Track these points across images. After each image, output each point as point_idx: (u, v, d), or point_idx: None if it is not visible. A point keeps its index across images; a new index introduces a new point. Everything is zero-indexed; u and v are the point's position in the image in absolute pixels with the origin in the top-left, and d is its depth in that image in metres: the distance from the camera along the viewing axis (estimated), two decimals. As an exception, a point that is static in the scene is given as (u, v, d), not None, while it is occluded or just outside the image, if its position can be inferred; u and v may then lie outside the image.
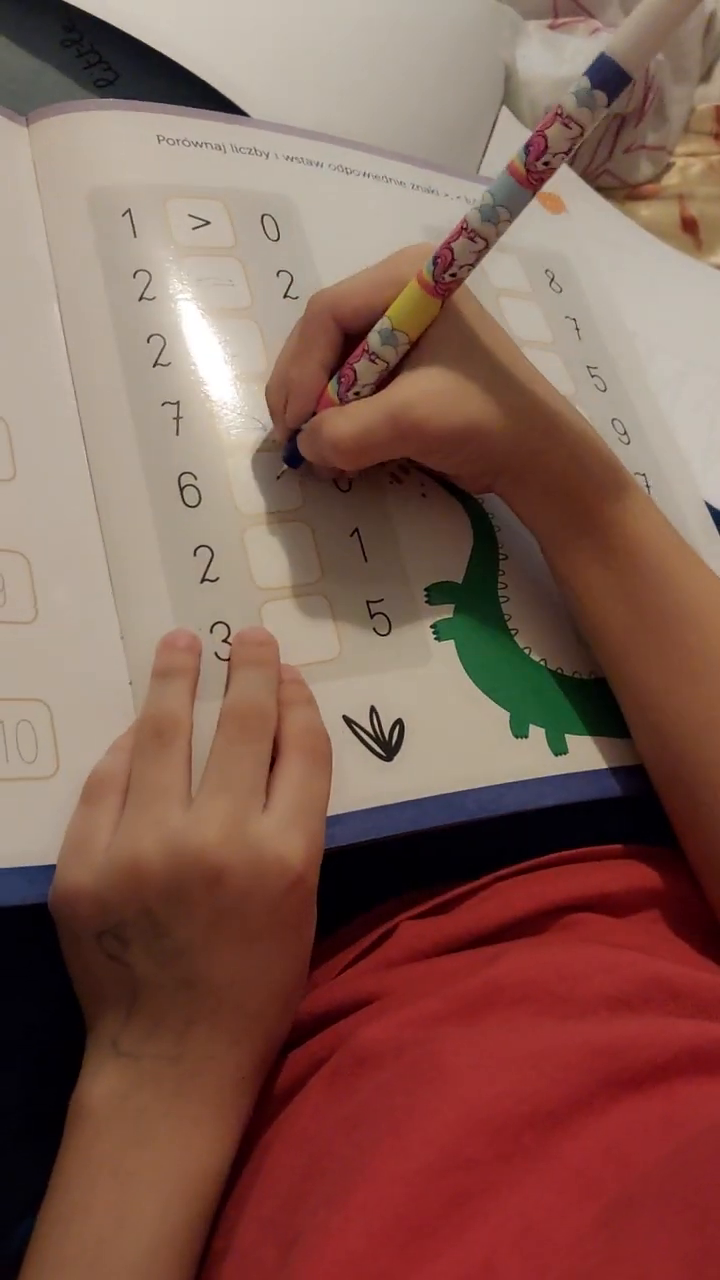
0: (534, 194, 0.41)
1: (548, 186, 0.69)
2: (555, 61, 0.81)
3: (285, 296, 0.54)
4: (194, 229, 0.53)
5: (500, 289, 0.62)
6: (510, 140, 0.79)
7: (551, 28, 0.85)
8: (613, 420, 0.61)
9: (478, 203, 0.42)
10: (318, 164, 0.60)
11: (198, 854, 0.38)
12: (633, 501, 0.47)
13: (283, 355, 0.48)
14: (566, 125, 0.39)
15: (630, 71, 0.38)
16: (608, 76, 0.38)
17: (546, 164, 0.40)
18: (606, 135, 0.86)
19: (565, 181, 0.85)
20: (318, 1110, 0.38)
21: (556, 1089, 0.33)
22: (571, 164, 0.86)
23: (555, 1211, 0.29)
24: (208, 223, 0.54)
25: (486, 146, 0.79)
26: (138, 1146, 0.37)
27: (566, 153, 0.40)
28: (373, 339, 0.45)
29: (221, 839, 0.38)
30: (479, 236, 0.42)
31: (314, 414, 0.46)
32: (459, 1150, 0.31)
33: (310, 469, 0.49)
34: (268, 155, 0.58)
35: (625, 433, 0.61)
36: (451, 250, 0.42)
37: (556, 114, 0.39)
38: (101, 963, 0.39)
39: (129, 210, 0.52)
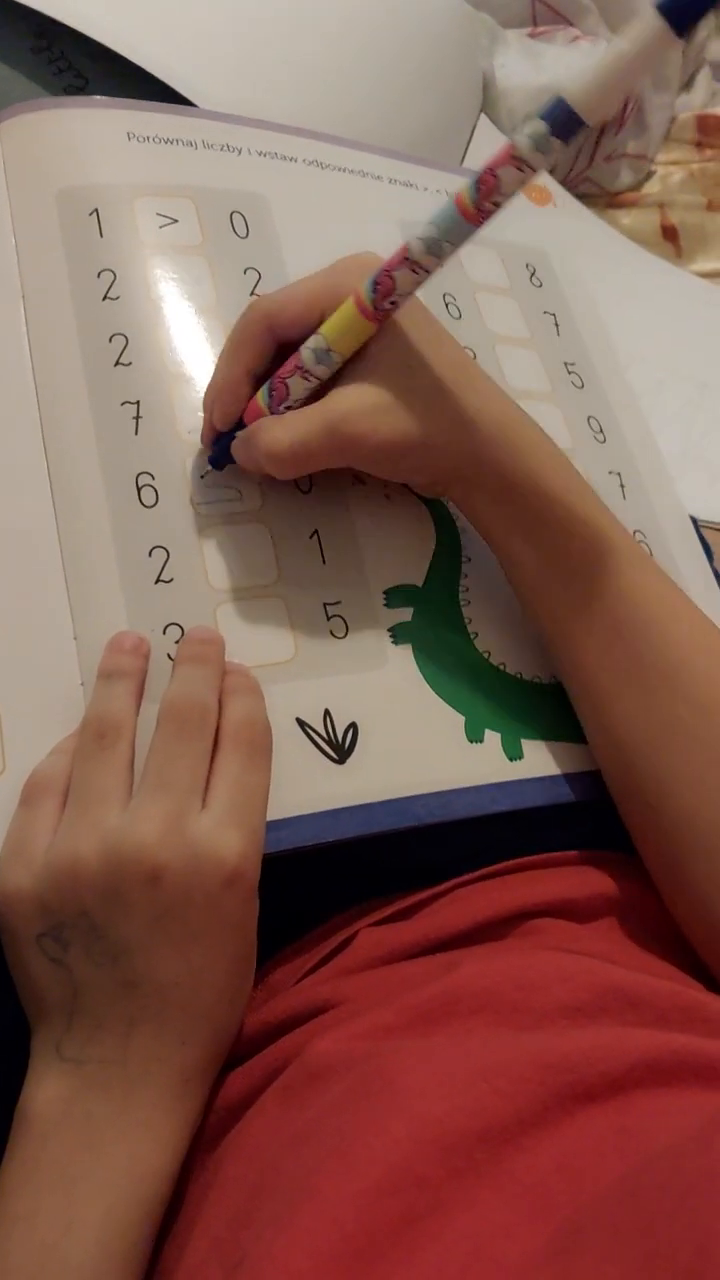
0: (478, 230, 0.41)
1: (534, 178, 0.69)
2: (534, 70, 0.81)
3: (252, 294, 0.53)
4: (161, 227, 0.53)
5: (478, 284, 0.62)
6: (488, 149, 0.79)
7: (531, 36, 0.85)
8: (589, 418, 0.60)
9: (420, 233, 0.41)
10: (291, 159, 0.60)
11: (135, 854, 0.37)
12: (583, 506, 0.47)
13: (218, 360, 0.48)
14: (520, 169, 0.38)
15: (588, 120, 0.37)
16: (565, 123, 0.37)
17: (496, 203, 0.39)
18: (587, 143, 0.86)
19: (546, 187, 0.85)
20: (269, 1125, 0.38)
21: (509, 1104, 0.32)
22: (551, 171, 0.86)
23: (506, 1232, 0.29)
24: (175, 220, 0.54)
25: (465, 154, 0.80)
26: (84, 1151, 0.37)
27: (513, 193, 0.39)
28: (306, 355, 0.44)
29: (159, 839, 0.38)
30: (420, 268, 0.42)
31: (242, 421, 0.47)
32: (409, 1168, 0.31)
33: (235, 471, 0.48)
34: (240, 151, 0.58)
35: (601, 430, 0.60)
36: (393, 279, 0.42)
37: (510, 155, 0.38)
38: (42, 966, 0.39)
39: (96, 210, 0.52)
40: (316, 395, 0.45)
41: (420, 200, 0.63)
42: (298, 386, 0.45)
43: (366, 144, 0.64)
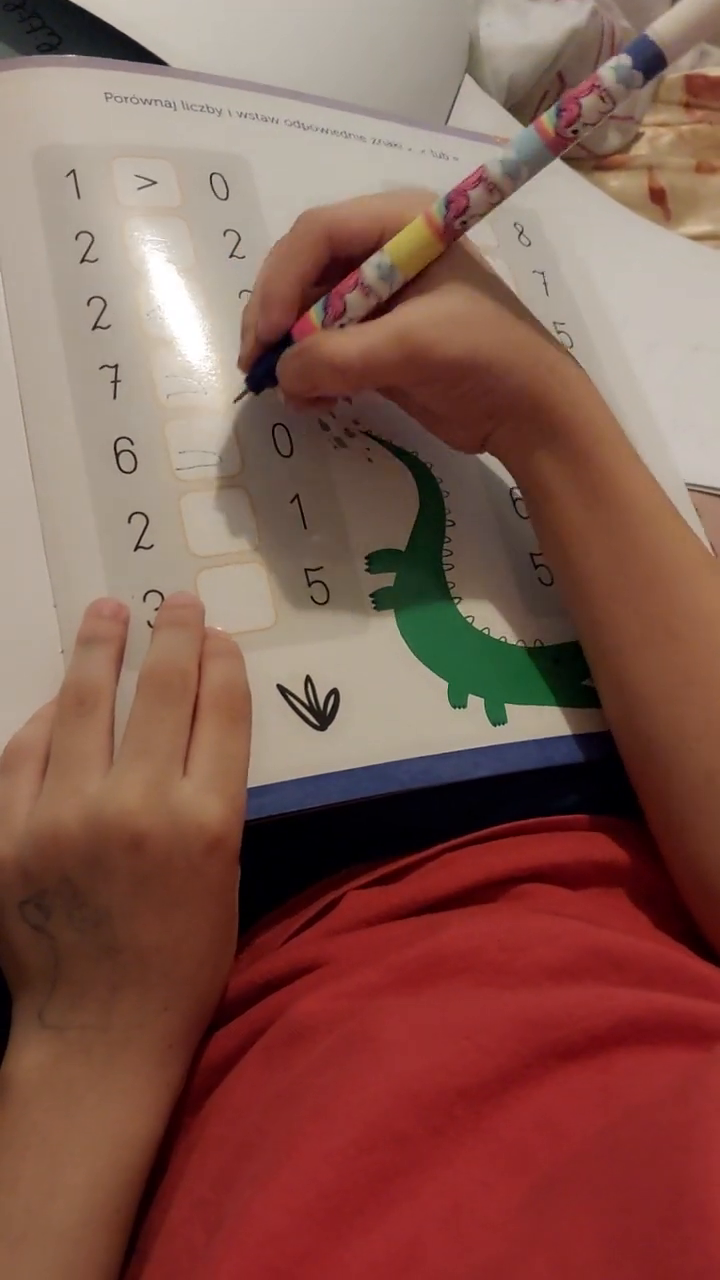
0: (556, 157, 0.42)
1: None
2: (520, 28, 0.80)
3: (232, 256, 0.53)
4: (140, 189, 0.52)
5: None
6: (473, 109, 0.78)
7: (517, -7, 0.84)
8: None
9: (500, 155, 0.42)
10: (272, 120, 0.59)
11: (117, 821, 0.38)
12: (626, 453, 0.46)
13: (263, 270, 0.46)
14: (602, 99, 0.40)
15: (669, 57, 0.39)
16: (649, 59, 0.39)
17: (575, 131, 0.41)
18: (574, 104, 0.85)
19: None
20: (252, 1087, 0.38)
21: (490, 1061, 0.32)
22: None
23: (485, 1187, 0.29)
24: (154, 182, 0.53)
25: (449, 115, 0.78)
26: (67, 1118, 0.37)
27: (594, 124, 0.40)
28: (369, 272, 0.44)
29: (141, 805, 0.38)
30: (497, 190, 0.42)
31: (288, 338, 0.45)
32: (388, 1125, 0.31)
33: (274, 396, 0.47)
34: (220, 112, 0.57)
35: None
36: (468, 197, 0.42)
37: (594, 85, 0.40)
38: (24, 933, 0.39)
39: (73, 171, 0.52)
40: (371, 319, 0.44)
41: (405, 160, 0.62)
42: (357, 303, 0.44)
43: (349, 104, 0.63)
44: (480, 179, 0.42)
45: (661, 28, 0.38)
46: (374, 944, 0.42)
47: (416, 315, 0.43)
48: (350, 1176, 0.30)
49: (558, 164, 0.89)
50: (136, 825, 0.38)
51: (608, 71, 0.39)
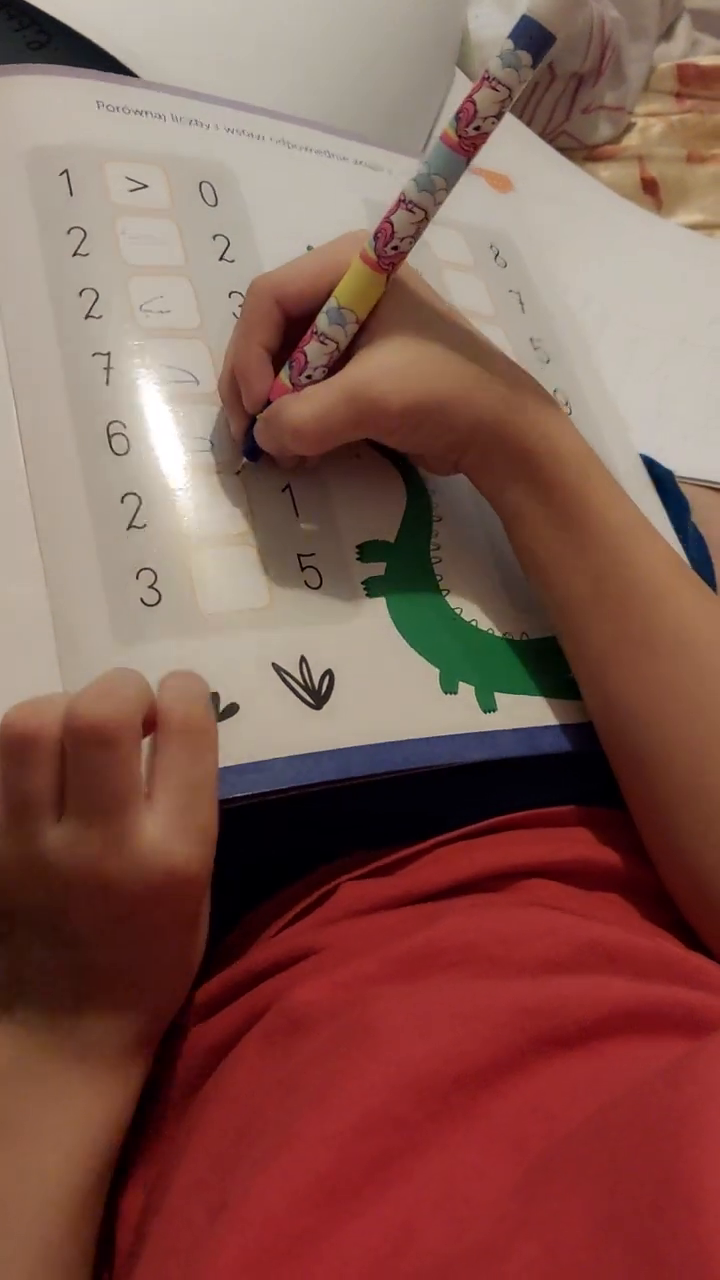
0: (468, 161, 0.42)
1: (497, 165, 0.70)
2: (509, 21, 0.80)
3: (221, 259, 0.54)
4: (131, 191, 0.54)
5: (444, 261, 0.62)
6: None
7: (506, -13, 0.84)
8: (554, 390, 0.61)
9: (414, 173, 0.42)
10: (259, 137, 0.60)
11: (80, 875, 0.37)
12: (594, 472, 0.47)
13: (228, 349, 0.47)
14: (494, 89, 0.40)
15: (553, 30, 0.38)
16: (531, 36, 0.38)
17: (478, 129, 0.41)
18: (564, 95, 0.85)
19: (523, 142, 0.85)
20: (252, 1072, 0.38)
21: (486, 1049, 0.33)
22: (529, 124, 0.86)
23: (479, 1172, 0.30)
24: (145, 186, 0.54)
25: (440, 111, 0.79)
26: (38, 1108, 0.38)
27: (497, 116, 0.40)
28: (321, 320, 0.45)
29: (103, 856, 0.37)
30: (417, 207, 0.43)
31: (268, 403, 0.46)
32: (386, 1110, 0.31)
33: (271, 461, 0.48)
34: (208, 127, 0.59)
35: (567, 403, 0.61)
36: (391, 224, 0.43)
37: (484, 78, 0.40)
38: None
39: (66, 170, 0.53)
40: (337, 366, 0.45)
41: (385, 182, 0.64)
42: (316, 354, 0.45)
43: (332, 127, 0.64)
44: (400, 201, 0.43)
45: (537, 2, 0.38)
46: (369, 933, 0.43)
47: (365, 371, 0.44)
48: (348, 1160, 0.30)
49: (551, 154, 0.90)
50: (102, 875, 0.37)
51: (494, 61, 0.39)
